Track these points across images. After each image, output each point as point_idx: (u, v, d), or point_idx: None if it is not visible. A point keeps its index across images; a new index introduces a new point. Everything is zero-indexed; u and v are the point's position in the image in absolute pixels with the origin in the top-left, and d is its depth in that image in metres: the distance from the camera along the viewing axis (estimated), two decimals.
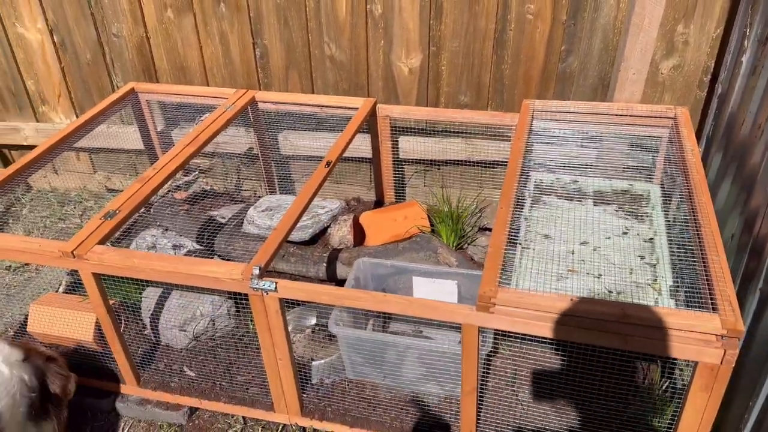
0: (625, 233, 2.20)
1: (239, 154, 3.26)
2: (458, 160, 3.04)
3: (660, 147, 2.52)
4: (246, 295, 1.90)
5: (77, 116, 3.46)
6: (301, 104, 2.91)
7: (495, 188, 3.09)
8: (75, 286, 2.77)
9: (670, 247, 2.09)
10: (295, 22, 2.93)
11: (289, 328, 2.02)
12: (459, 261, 2.62)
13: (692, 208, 1.96)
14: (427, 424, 2.16)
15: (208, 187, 3.44)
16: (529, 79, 2.85)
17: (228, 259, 2.76)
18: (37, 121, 3.55)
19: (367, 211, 2.98)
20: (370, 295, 1.84)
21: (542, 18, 2.69)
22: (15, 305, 2.87)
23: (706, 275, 1.70)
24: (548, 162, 2.55)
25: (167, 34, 3.11)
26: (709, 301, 1.62)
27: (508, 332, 1.74)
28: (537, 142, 2.54)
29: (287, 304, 1.95)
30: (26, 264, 3.14)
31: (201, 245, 2.85)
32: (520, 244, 2.13)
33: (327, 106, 2.88)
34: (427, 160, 3.09)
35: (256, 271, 1.85)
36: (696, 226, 1.89)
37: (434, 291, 2.39)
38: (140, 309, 2.58)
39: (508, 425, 2.09)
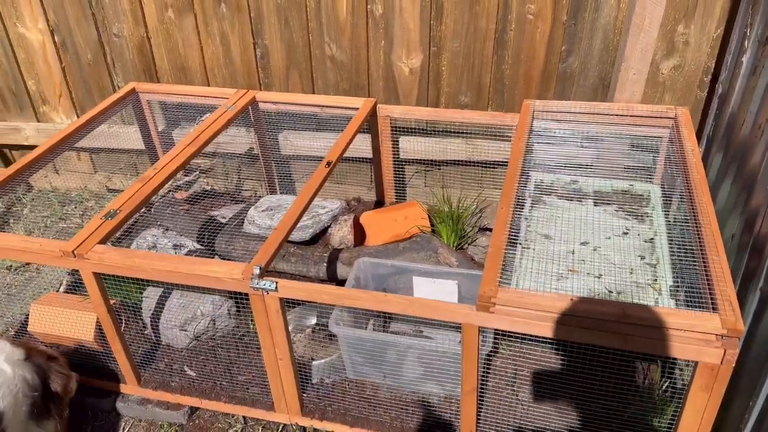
0: (626, 233, 2.20)
1: (240, 154, 3.26)
2: (459, 161, 3.04)
3: (660, 147, 2.52)
4: (246, 294, 1.91)
5: (78, 116, 3.46)
6: (301, 104, 2.91)
7: (495, 188, 3.09)
8: (76, 286, 2.77)
9: (671, 248, 2.09)
10: (295, 23, 2.93)
11: (290, 328, 2.02)
12: (459, 261, 2.62)
13: (692, 208, 1.96)
14: (428, 423, 2.16)
15: (209, 187, 3.44)
16: (529, 79, 2.85)
17: (228, 259, 2.76)
18: (38, 121, 3.55)
19: (367, 211, 2.98)
20: (370, 294, 1.84)
21: (543, 18, 2.69)
22: (16, 305, 2.88)
23: (707, 275, 1.70)
24: (548, 162, 2.55)
25: (168, 34, 3.11)
26: (710, 300, 1.63)
27: (509, 332, 1.74)
28: (537, 143, 2.54)
29: (288, 304, 1.95)
30: (27, 264, 3.14)
31: (202, 245, 2.85)
32: (520, 244, 2.13)
33: (327, 106, 2.88)
34: (427, 160, 3.09)
35: (257, 271, 1.85)
36: (696, 226, 1.89)
37: (434, 291, 2.39)
38: (141, 309, 2.58)
39: (508, 425, 2.09)
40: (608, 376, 1.89)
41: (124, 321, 2.54)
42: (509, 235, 1.93)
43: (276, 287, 1.84)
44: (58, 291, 2.82)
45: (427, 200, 3.21)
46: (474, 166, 3.07)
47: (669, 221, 2.27)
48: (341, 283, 2.64)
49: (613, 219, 2.28)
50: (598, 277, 2.00)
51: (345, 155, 2.54)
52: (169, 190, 3.25)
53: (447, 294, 2.37)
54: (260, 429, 2.29)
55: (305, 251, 2.80)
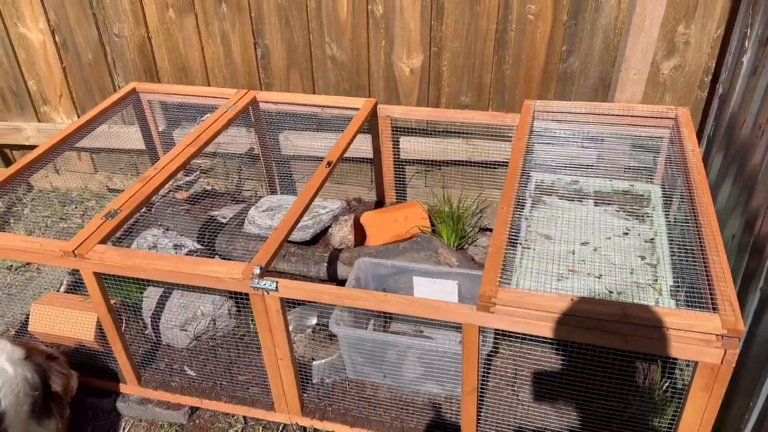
0: (626, 233, 2.20)
1: (240, 154, 3.27)
2: (459, 161, 3.04)
3: (661, 147, 2.52)
4: (247, 294, 1.91)
5: (79, 116, 3.46)
6: (302, 104, 2.91)
7: (496, 188, 3.09)
8: (76, 286, 2.77)
9: (671, 248, 2.09)
10: (296, 23, 2.93)
11: (290, 328, 2.02)
12: (460, 261, 2.62)
13: (693, 209, 1.96)
14: (428, 424, 2.16)
15: (209, 187, 3.44)
16: (530, 79, 2.85)
17: (229, 259, 2.76)
18: (39, 121, 3.55)
19: (367, 211, 2.98)
20: (370, 294, 1.84)
21: (543, 18, 2.69)
22: (16, 305, 2.88)
23: (707, 275, 1.70)
24: (549, 162, 2.55)
25: (169, 34, 3.11)
26: (710, 301, 1.63)
27: (509, 332, 1.74)
28: (538, 143, 2.54)
29: (288, 304, 1.95)
30: (27, 263, 3.14)
31: (202, 245, 2.85)
32: (520, 244, 2.13)
33: (328, 107, 2.88)
34: (427, 160, 3.10)
35: (257, 271, 1.85)
36: (697, 227, 1.89)
37: (435, 291, 2.39)
38: (141, 309, 2.58)
39: (508, 425, 2.09)
40: (608, 376, 1.89)
41: (124, 321, 2.54)
42: (510, 235, 1.94)
43: (276, 287, 1.85)
44: (58, 291, 2.82)
45: (427, 200, 3.22)
46: (474, 166, 3.07)
47: (669, 221, 2.27)
48: (342, 283, 2.64)
49: (614, 219, 2.28)
50: (599, 278, 2.00)
51: (345, 155, 2.54)
52: (170, 190, 3.25)
53: (447, 294, 2.37)
54: (260, 429, 2.29)
55: (306, 251, 2.80)
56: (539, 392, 2.21)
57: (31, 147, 3.36)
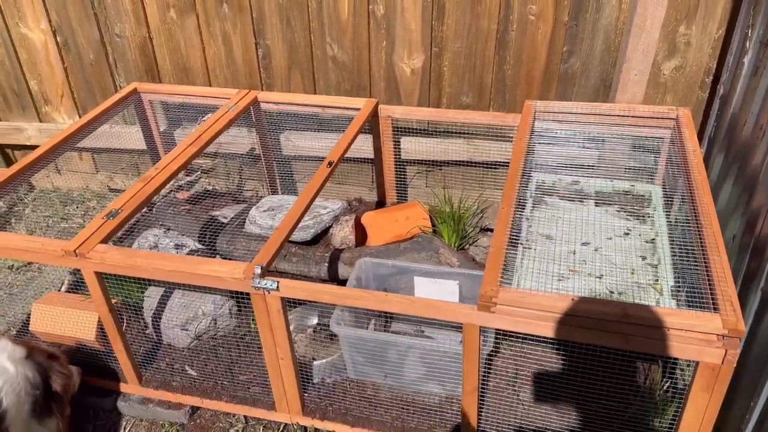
0: (627, 234, 2.20)
1: (241, 154, 3.27)
2: (460, 161, 3.04)
3: (662, 148, 2.52)
4: (248, 294, 1.91)
5: (80, 116, 3.47)
6: (303, 104, 2.91)
7: (497, 189, 3.10)
8: (77, 286, 2.77)
9: (672, 248, 2.09)
10: (297, 23, 2.94)
11: (291, 328, 2.02)
12: (460, 261, 2.62)
13: (694, 209, 1.96)
14: (428, 423, 2.16)
15: (211, 187, 3.44)
16: (531, 79, 2.86)
17: (230, 259, 2.76)
18: (40, 121, 3.56)
19: (368, 211, 2.98)
20: (371, 294, 1.84)
21: (544, 19, 2.69)
22: (17, 304, 2.88)
23: (708, 275, 1.70)
24: (550, 163, 2.55)
25: (170, 35, 3.11)
26: (711, 301, 1.63)
27: (510, 332, 1.74)
28: (539, 143, 2.54)
29: (289, 304, 1.95)
30: (29, 263, 3.15)
31: (203, 245, 2.85)
32: (521, 244, 2.13)
33: (329, 107, 2.89)
34: (428, 160, 3.10)
35: (258, 271, 1.86)
36: (698, 227, 1.89)
37: (436, 291, 2.39)
38: (142, 308, 2.58)
39: (509, 425, 2.09)
40: (609, 376, 1.89)
41: (125, 320, 2.54)
42: (510, 235, 1.94)
43: (277, 287, 1.85)
44: (59, 290, 2.82)
45: (428, 201, 3.22)
46: (475, 166, 3.07)
47: (670, 222, 2.27)
48: (342, 283, 2.64)
49: (615, 219, 2.28)
50: (600, 278, 2.00)
51: (346, 156, 2.54)
52: (171, 190, 3.26)
53: (448, 294, 2.37)
54: (261, 428, 2.29)
55: (306, 251, 2.81)
56: (540, 392, 2.21)
57: (33, 147, 3.36)
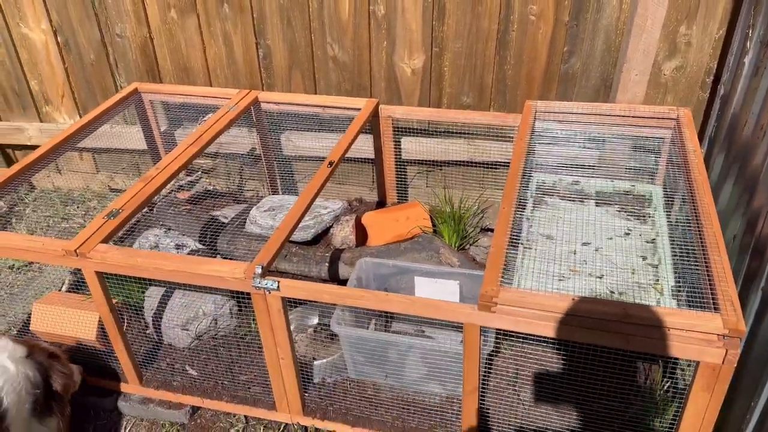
0: (628, 234, 2.20)
1: (242, 154, 3.27)
2: (460, 161, 3.04)
3: (662, 148, 2.52)
4: (248, 294, 1.91)
5: (81, 116, 3.47)
6: (303, 105, 2.92)
7: (497, 189, 3.10)
8: (78, 286, 2.78)
9: (673, 248, 2.09)
10: (298, 23, 2.94)
11: (291, 328, 2.02)
12: (461, 261, 2.62)
13: (694, 209, 1.96)
14: (429, 423, 2.16)
15: (211, 187, 3.44)
16: (531, 80, 2.86)
17: (231, 259, 2.76)
18: (41, 121, 3.56)
19: (369, 211, 2.98)
20: (372, 294, 1.84)
21: (545, 19, 2.69)
22: (18, 304, 2.88)
23: (708, 275, 1.70)
24: (550, 163, 2.55)
25: (171, 35, 3.12)
26: (711, 301, 1.63)
27: (510, 332, 1.74)
28: (539, 143, 2.54)
29: (289, 304, 1.95)
30: (29, 263, 3.15)
31: (204, 245, 2.85)
32: (522, 244, 2.13)
33: (329, 107, 2.89)
34: (429, 160, 3.10)
35: (259, 270, 1.86)
36: (698, 227, 1.89)
37: (436, 291, 2.39)
38: (143, 308, 2.58)
39: (509, 425, 2.09)
40: (610, 376, 1.89)
41: (126, 320, 2.54)
42: (511, 235, 1.94)
43: (278, 286, 1.85)
44: (60, 290, 2.83)
45: (428, 201, 3.22)
46: (476, 166, 3.08)
47: (671, 222, 2.27)
48: (343, 283, 2.64)
49: (615, 220, 2.28)
50: (600, 278, 2.00)
51: (347, 156, 2.54)
52: (172, 190, 3.26)
53: (448, 294, 2.37)
54: (262, 428, 2.29)
55: (307, 251, 2.81)
56: (540, 392, 2.21)
57: (33, 147, 3.37)
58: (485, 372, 2.18)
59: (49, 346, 2.04)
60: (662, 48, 2.60)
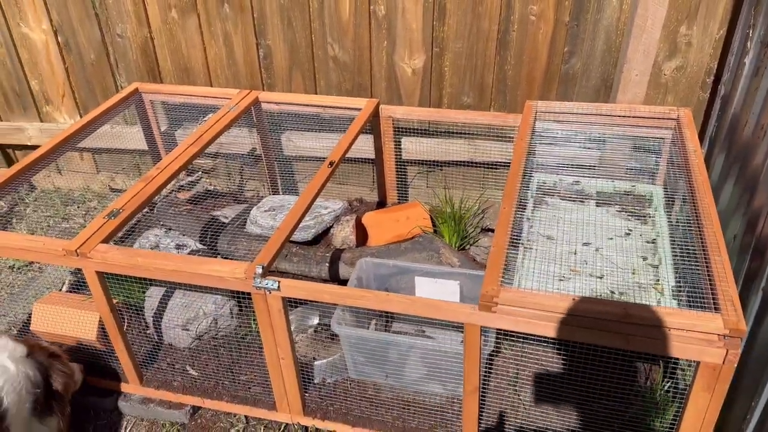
0: (628, 234, 2.20)
1: (242, 154, 3.27)
2: (461, 161, 3.04)
3: (663, 148, 2.52)
4: (249, 294, 1.91)
5: (81, 116, 3.47)
6: (304, 105, 2.92)
7: (497, 189, 3.10)
8: (78, 286, 2.78)
9: (673, 248, 2.09)
10: (298, 23, 2.94)
11: (292, 328, 2.02)
12: (461, 261, 2.62)
13: (695, 209, 1.96)
14: (429, 424, 2.16)
15: (212, 187, 3.44)
16: (532, 80, 2.86)
17: (231, 259, 2.76)
18: (41, 121, 3.56)
19: (369, 211, 2.98)
20: (372, 294, 1.84)
21: (545, 19, 2.70)
22: (19, 304, 2.88)
23: (709, 276, 1.70)
24: (551, 163, 2.55)
25: (171, 35, 3.12)
26: (712, 301, 1.63)
27: (511, 332, 1.74)
28: (540, 143, 2.54)
29: (290, 304, 1.95)
30: (30, 263, 3.15)
31: (204, 245, 2.85)
32: (522, 244, 2.13)
33: (330, 107, 2.89)
34: (429, 160, 3.10)
35: (259, 270, 1.86)
36: (699, 227, 1.89)
37: (436, 291, 2.39)
38: (143, 308, 2.58)
39: (510, 425, 2.09)
40: (610, 376, 1.89)
41: (126, 320, 2.54)
42: (511, 235, 1.94)
43: (278, 286, 1.85)
44: (60, 290, 2.83)
45: (429, 201, 3.22)
46: (476, 166, 3.08)
47: (671, 222, 2.27)
48: (343, 283, 2.64)
49: (616, 220, 2.28)
50: (600, 278, 2.00)
51: (347, 156, 2.54)
52: (172, 191, 3.26)
53: (449, 294, 2.37)
54: (262, 428, 2.29)
55: (307, 251, 2.81)
56: (541, 392, 2.21)
57: (34, 147, 3.36)
58: (486, 372, 2.18)
59: (49, 346, 2.04)
60: (663, 48, 2.60)
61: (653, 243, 2.15)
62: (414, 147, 3.04)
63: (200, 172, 3.41)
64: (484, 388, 2.16)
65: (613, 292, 1.94)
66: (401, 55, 2.92)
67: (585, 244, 2.15)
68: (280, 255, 2.48)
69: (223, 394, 2.30)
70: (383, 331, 2.50)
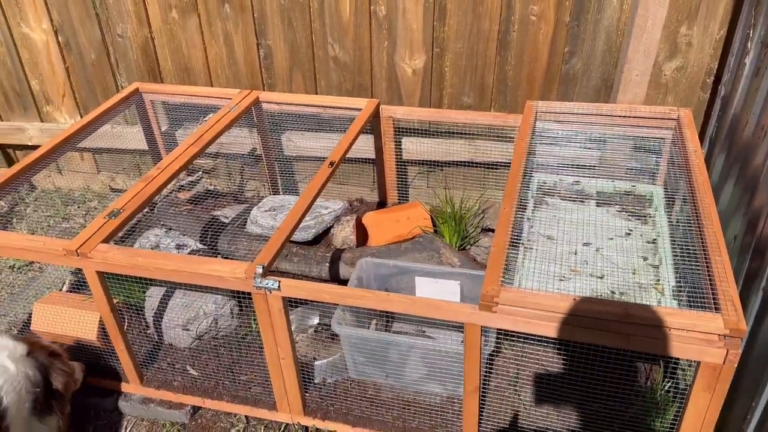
0: (628, 234, 2.20)
1: (243, 154, 3.27)
2: (461, 161, 3.04)
3: (663, 148, 2.52)
4: (249, 293, 1.91)
5: (81, 116, 3.47)
6: (304, 105, 2.92)
7: (498, 189, 3.10)
8: (78, 286, 2.78)
9: (673, 249, 2.09)
10: (299, 23, 2.94)
11: (292, 328, 2.02)
12: (462, 261, 2.62)
13: (695, 210, 1.96)
14: (430, 424, 2.16)
15: (212, 187, 3.45)
16: (532, 80, 2.86)
17: (231, 259, 2.76)
18: (42, 121, 3.56)
19: (370, 211, 2.98)
20: (373, 293, 1.84)
21: (546, 19, 2.70)
22: (19, 304, 2.88)
23: (709, 276, 1.70)
24: (551, 163, 2.55)
25: (172, 35, 3.12)
26: (712, 301, 1.63)
27: (511, 332, 1.74)
28: (540, 144, 2.54)
29: (290, 304, 1.95)
30: (30, 263, 3.15)
31: (204, 245, 2.85)
32: (522, 244, 2.13)
33: (330, 107, 2.89)
34: (430, 161, 3.10)
35: (260, 270, 1.86)
36: (699, 227, 1.89)
37: (437, 291, 2.39)
38: (143, 308, 2.58)
39: (510, 425, 2.09)
40: (610, 376, 1.89)
41: (126, 320, 2.54)
42: (512, 235, 1.94)
43: (279, 286, 1.85)
44: (61, 290, 2.83)
45: (429, 201, 3.22)
46: (477, 167, 3.08)
47: (672, 222, 2.27)
48: (344, 283, 2.64)
49: (616, 220, 2.28)
50: (601, 278, 2.00)
51: (348, 156, 2.54)
52: (172, 190, 3.26)
53: (449, 294, 2.37)
54: (262, 428, 2.29)
55: (308, 251, 2.81)
56: (541, 392, 2.21)
57: (34, 147, 3.37)
58: (486, 372, 2.18)
59: (49, 344, 2.04)
60: (663, 48, 2.60)
61: (653, 243, 2.15)
62: (414, 147, 3.05)
63: (201, 172, 3.41)
64: (484, 388, 2.16)
65: (613, 292, 1.94)
66: (402, 56, 2.92)
67: (585, 244, 2.15)
68: (280, 255, 2.48)
69: (223, 394, 2.30)
70: (383, 331, 2.51)
